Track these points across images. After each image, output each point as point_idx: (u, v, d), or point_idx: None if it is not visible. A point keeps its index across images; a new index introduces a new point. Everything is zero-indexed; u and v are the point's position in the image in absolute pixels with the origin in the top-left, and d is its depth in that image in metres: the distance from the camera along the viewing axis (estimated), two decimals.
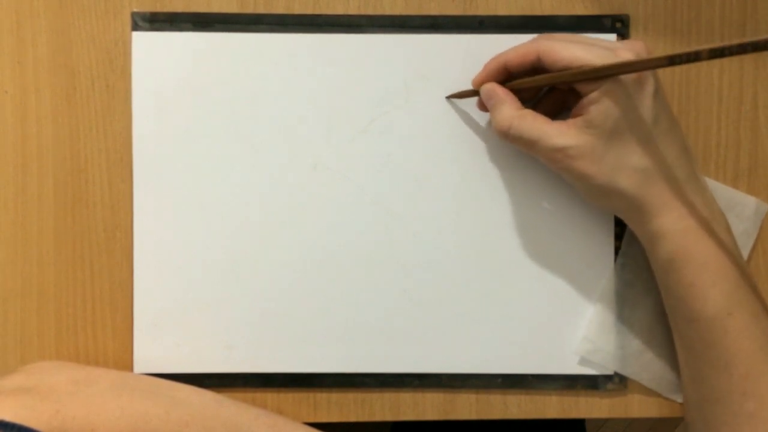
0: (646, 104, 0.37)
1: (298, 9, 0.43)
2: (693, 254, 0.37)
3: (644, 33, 0.44)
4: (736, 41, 0.30)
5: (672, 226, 0.38)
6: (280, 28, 0.43)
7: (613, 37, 0.43)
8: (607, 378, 0.43)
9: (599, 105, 0.37)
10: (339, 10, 0.43)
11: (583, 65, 0.36)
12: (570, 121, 0.38)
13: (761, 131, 0.44)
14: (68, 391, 0.37)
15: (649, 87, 0.37)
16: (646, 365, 0.43)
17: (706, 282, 0.37)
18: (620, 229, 0.43)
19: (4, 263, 0.43)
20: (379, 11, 0.43)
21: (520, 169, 0.43)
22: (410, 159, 0.43)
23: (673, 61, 0.33)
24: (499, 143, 0.43)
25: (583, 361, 0.43)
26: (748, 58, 0.44)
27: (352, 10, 0.43)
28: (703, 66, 0.44)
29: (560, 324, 0.43)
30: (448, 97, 0.43)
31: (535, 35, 0.42)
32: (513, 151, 0.43)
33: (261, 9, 0.43)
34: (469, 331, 0.43)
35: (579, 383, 0.43)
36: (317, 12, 0.43)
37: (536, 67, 0.39)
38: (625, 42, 0.38)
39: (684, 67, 0.44)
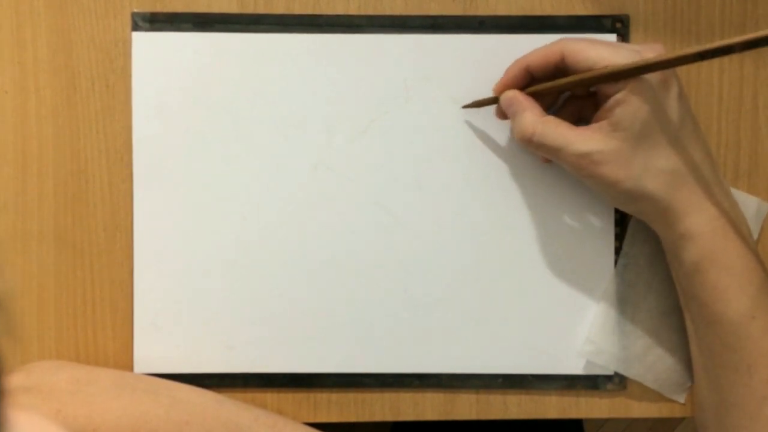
0: (671, 106, 0.37)
1: (298, 9, 0.43)
2: (720, 256, 0.37)
3: (644, 33, 0.44)
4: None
5: (700, 228, 0.37)
6: (280, 29, 0.43)
7: (613, 37, 0.43)
8: (607, 378, 0.43)
9: (626, 106, 0.36)
10: (339, 10, 0.43)
11: (609, 66, 0.36)
12: (594, 126, 0.37)
13: (761, 131, 0.44)
14: (69, 391, 0.37)
15: (674, 89, 0.37)
16: (649, 366, 0.43)
17: (732, 285, 0.37)
18: (621, 229, 0.43)
19: (4, 263, 0.43)
20: (379, 11, 0.43)
21: (520, 169, 0.43)
22: (410, 159, 0.43)
23: (703, 56, 0.32)
24: (501, 144, 0.43)
25: (587, 363, 0.43)
26: (749, 59, 0.44)
27: (352, 10, 0.43)
28: (704, 66, 0.44)
29: (560, 324, 0.43)
30: (465, 107, 0.43)
31: (535, 36, 0.42)
32: (514, 151, 0.43)
33: (261, 9, 0.43)
34: (469, 331, 0.43)
35: (579, 383, 0.43)
36: (317, 12, 0.43)
37: (559, 70, 0.39)
38: (647, 45, 0.38)
39: (684, 68, 0.44)
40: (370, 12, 0.43)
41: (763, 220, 0.44)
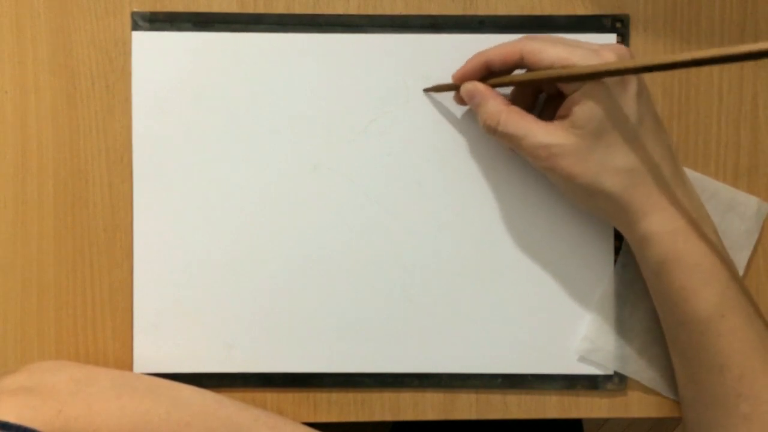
0: (629, 105, 0.37)
1: (298, 9, 0.43)
2: (684, 256, 0.37)
3: (644, 33, 0.44)
4: (712, 51, 0.30)
5: (661, 228, 0.37)
6: (280, 28, 0.43)
7: (613, 37, 0.43)
8: (607, 378, 0.43)
9: (582, 106, 0.37)
10: (339, 10, 0.43)
11: (566, 66, 0.36)
12: (556, 122, 0.38)
13: (761, 131, 0.44)
14: (70, 391, 0.37)
15: (632, 88, 0.37)
16: (646, 365, 0.43)
17: (698, 284, 0.37)
18: None
19: (4, 263, 0.43)
20: (379, 11, 0.43)
21: (520, 169, 0.43)
22: (410, 159, 0.43)
23: (649, 69, 0.33)
24: (500, 143, 0.43)
25: (583, 361, 0.43)
26: None
27: (352, 10, 0.43)
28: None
29: (560, 324, 0.43)
30: (426, 90, 0.43)
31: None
32: (514, 151, 0.43)
33: (261, 9, 0.43)
34: (469, 331, 0.43)
35: (579, 383, 0.43)
36: (317, 12, 0.43)
37: (520, 67, 0.39)
38: (608, 44, 0.38)
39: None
40: (370, 12, 0.43)
41: (763, 220, 0.44)
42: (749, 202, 0.43)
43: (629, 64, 0.34)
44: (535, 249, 0.43)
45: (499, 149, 0.43)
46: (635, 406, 0.44)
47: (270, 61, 0.43)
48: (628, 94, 0.37)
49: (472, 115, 0.43)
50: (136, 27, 0.43)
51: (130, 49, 0.43)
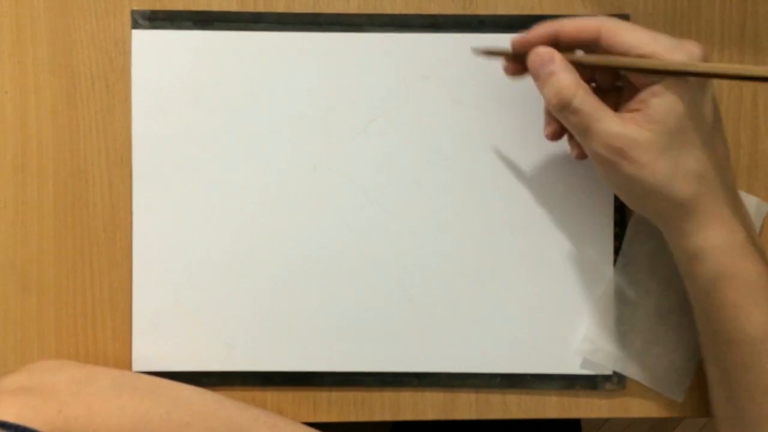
0: (707, 106, 0.35)
1: (298, 8, 0.43)
2: (739, 273, 0.35)
3: None
4: None
5: (719, 241, 0.35)
6: (280, 27, 0.43)
7: None
8: (606, 378, 0.43)
9: (662, 98, 0.34)
10: (339, 9, 0.43)
11: (646, 53, 0.34)
12: (627, 115, 0.35)
13: (761, 131, 0.44)
14: (70, 391, 0.37)
15: (710, 89, 0.35)
16: (647, 365, 0.43)
17: (751, 303, 0.35)
18: (620, 229, 0.43)
19: (4, 263, 0.43)
20: (378, 10, 0.43)
21: (520, 169, 0.43)
22: (410, 159, 0.43)
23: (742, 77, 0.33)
24: (500, 144, 0.43)
25: (584, 362, 0.43)
26: (748, 58, 0.44)
27: (352, 9, 0.43)
28: None
29: (560, 324, 0.43)
30: (474, 50, 0.40)
31: None
32: (513, 151, 0.43)
33: (261, 7, 0.43)
34: (469, 330, 0.43)
35: (578, 383, 0.43)
36: (317, 11, 0.43)
37: (587, 47, 0.37)
38: (684, 39, 0.35)
39: None
40: (370, 11, 0.43)
41: (762, 219, 0.44)
42: (749, 202, 0.43)
43: (757, 71, 0.33)
44: (535, 249, 0.43)
45: (500, 149, 0.43)
46: (635, 406, 0.44)
47: (270, 60, 0.43)
48: (706, 95, 0.35)
49: (473, 115, 0.43)
50: (136, 25, 0.43)
51: (130, 49, 0.43)
